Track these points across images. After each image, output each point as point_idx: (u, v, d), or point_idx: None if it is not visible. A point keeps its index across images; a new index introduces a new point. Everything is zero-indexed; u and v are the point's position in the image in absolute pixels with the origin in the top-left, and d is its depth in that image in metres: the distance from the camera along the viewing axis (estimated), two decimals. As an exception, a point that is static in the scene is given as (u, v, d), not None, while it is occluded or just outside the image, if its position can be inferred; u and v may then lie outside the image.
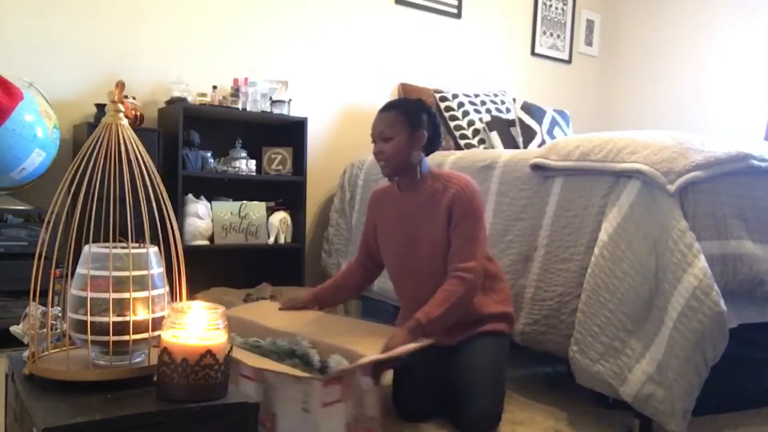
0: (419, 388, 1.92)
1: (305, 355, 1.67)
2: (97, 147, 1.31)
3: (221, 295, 2.88)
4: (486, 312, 1.97)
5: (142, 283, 1.31)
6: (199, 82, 3.15)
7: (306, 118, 3.30)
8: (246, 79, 3.19)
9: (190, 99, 3.01)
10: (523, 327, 2.16)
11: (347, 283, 2.17)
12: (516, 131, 3.63)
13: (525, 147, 3.55)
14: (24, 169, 2.53)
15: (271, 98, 3.23)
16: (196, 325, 1.25)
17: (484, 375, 1.86)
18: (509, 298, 2.07)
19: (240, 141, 3.24)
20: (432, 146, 1.97)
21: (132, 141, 1.34)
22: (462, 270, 1.84)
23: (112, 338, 1.27)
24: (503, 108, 3.81)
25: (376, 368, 1.66)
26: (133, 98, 2.94)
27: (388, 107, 1.96)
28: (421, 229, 1.95)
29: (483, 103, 3.77)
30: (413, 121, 1.91)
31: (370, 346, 1.67)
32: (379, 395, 1.68)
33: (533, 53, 4.59)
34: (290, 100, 3.31)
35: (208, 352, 1.23)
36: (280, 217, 3.24)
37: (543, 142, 3.59)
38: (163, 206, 1.34)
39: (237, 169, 3.14)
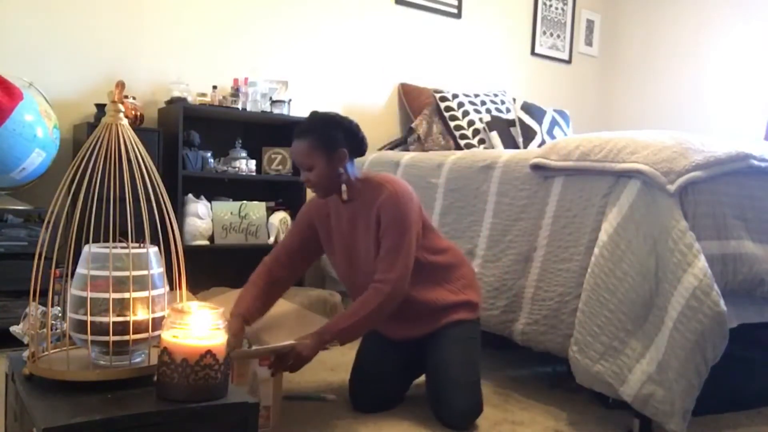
0: (373, 382, 1.99)
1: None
2: (97, 147, 1.31)
3: (220, 295, 2.88)
4: (441, 303, 1.96)
5: (142, 283, 1.31)
6: (199, 82, 3.15)
7: (306, 118, 3.30)
8: (246, 79, 3.19)
9: (190, 99, 3.01)
10: (523, 327, 2.16)
11: (275, 290, 2.01)
12: (516, 131, 3.63)
13: (525, 147, 3.55)
14: (24, 169, 2.53)
15: (271, 98, 3.23)
16: (196, 325, 1.25)
17: (458, 371, 1.88)
18: (471, 284, 2.03)
19: (240, 141, 3.24)
20: (356, 153, 1.94)
21: (132, 141, 1.34)
22: (379, 281, 1.82)
23: (112, 338, 1.27)
24: (503, 108, 3.81)
25: (276, 363, 1.74)
26: (133, 98, 2.94)
27: (300, 134, 1.87)
28: (357, 237, 1.94)
29: (483, 103, 3.77)
30: (328, 144, 1.85)
31: (283, 341, 1.78)
32: (277, 387, 1.77)
33: (533, 53, 4.59)
34: (290, 100, 3.31)
35: (208, 352, 1.23)
36: (280, 217, 3.23)
37: (543, 142, 3.59)
38: (163, 206, 1.34)
39: (237, 169, 3.14)
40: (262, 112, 3.19)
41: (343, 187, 1.91)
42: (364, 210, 1.91)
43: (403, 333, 2.00)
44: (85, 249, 1.31)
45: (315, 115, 1.94)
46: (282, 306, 2.16)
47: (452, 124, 3.63)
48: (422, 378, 2.11)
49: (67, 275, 1.36)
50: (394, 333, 2.01)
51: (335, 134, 1.88)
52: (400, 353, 2.03)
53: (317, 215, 2.03)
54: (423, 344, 2.00)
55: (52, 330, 1.43)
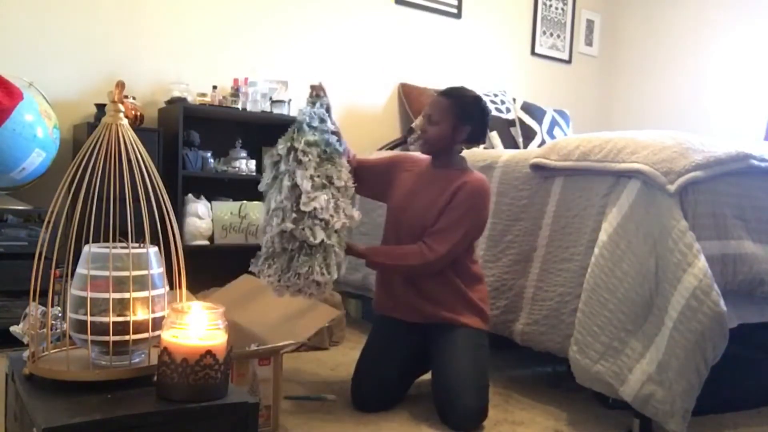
0: (377, 382, 1.99)
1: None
2: (97, 147, 1.31)
3: (216, 293, 2.87)
4: (462, 295, 1.99)
5: (142, 283, 1.31)
6: (199, 82, 3.14)
7: (306, 118, 3.29)
8: (246, 79, 3.19)
9: (190, 99, 3.01)
10: (523, 327, 2.16)
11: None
12: (516, 131, 3.63)
13: (525, 147, 3.55)
14: (24, 169, 2.53)
15: (271, 98, 3.23)
16: (196, 325, 1.25)
17: (467, 374, 1.88)
18: (485, 300, 2.08)
19: (240, 141, 3.24)
20: (473, 141, 2.06)
21: (132, 141, 1.34)
22: (428, 245, 1.92)
23: (112, 338, 1.27)
24: (503, 108, 3.81)
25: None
26: (133, 98, 2.94)
27: (447, 94, 2.03)
28: (424, 196, 2.00)
29: (483, 103, 3.77)
30: (462, 115, 1.98)
31: (282, 336, 1.78)
32: (277, 387, 1.76)
33: (533, 53, 4.59)
34: (290, 100, 3.31)
35: (208, 352, 1.23)
36: (280, 217, 3.23)
37: (543, 142, 3.59)
38: (163, 206, 1.34)
39: (237, 169, 3.14)
40: (262, 112, 3.19)
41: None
42: (444, 182, 1.99)
43: (418, 302, 2.00)
44: (85, 249, 1.31)
45: (468, 90, 2.07)
46: (251, 283, 2.17)
47: (452, 124, 3.62)
48: (422, 378, 2.12)
49: (67, 275, 1.36)
50: (408, 298, 2.01)
51: (472, 113, 2.00)
52: (405, 353, 2.03)
53: (401, 164, 2.14)
54: (430, 343, 2.00)
55: (52, 330, 1.43)
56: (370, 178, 2.12)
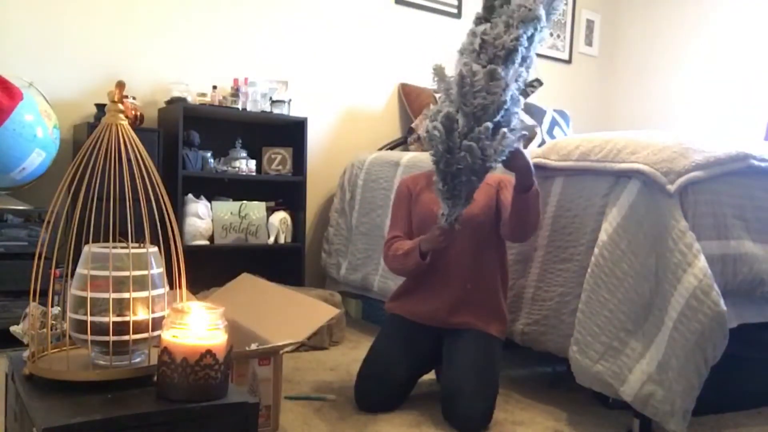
0: (384, 382, 1.98)
1: None
2: (97, 147, 1.31)
3: (215, 292, 2.87)
4: (495, 305, 2.03)
5: (142, 283, 1.31)
6: (199, 82, 3.15)
7: (306, 118, 3.30)
8: (246, 79, 3.19)
9: (190, 99, 3.01)
10: (523, 327, 2.16)
11: None
12: (516, 131, 3.62)
13: (525, 147, 3.54)
14: (24, 169, 2.53)
15: (271, 98, 3.23)
16: (196, 325, 1.25)
17: (478, 380, 1.87)
18: (507, 307, 2.11)
19: (240, 141, 3.24)
20: None
21: (132, 141, 1.34)
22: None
23: (112, 338, 1.27)
24: (503, 108, 3.81)
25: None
26: (133, 98, 2.94)
27: None
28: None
29: (483, 103, 3.77)
30: None
31: (282, 336, 1.77)
32: (277, 387, 1.75)
33: (533, 53, 4.59)
34: (290, 100, 3.31)
35: (208, 352, 1.23)
36: (280, 217, 3.24)
37: (543, 142, 3.59)
38: (163, 206, 1.34)
39: (237, 169, 3.15)
40: (262, 112, 3.19)
41: None
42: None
43: (452, 312, 2.01)
44: (85, 249, 1.31)
45: None
46: (251, 282, 2.17)
47: (452, 124, 3.62)
48: (423, 378, 2.12)
49: (67, 275, 1.36)
50: (441, 309, 2.02)
51: None
52: (418, 355, 2.03)
53: (414, 188, 2.18)
54: (444, 344, 2.01)
55: (52, 330, 1.43)
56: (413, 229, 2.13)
